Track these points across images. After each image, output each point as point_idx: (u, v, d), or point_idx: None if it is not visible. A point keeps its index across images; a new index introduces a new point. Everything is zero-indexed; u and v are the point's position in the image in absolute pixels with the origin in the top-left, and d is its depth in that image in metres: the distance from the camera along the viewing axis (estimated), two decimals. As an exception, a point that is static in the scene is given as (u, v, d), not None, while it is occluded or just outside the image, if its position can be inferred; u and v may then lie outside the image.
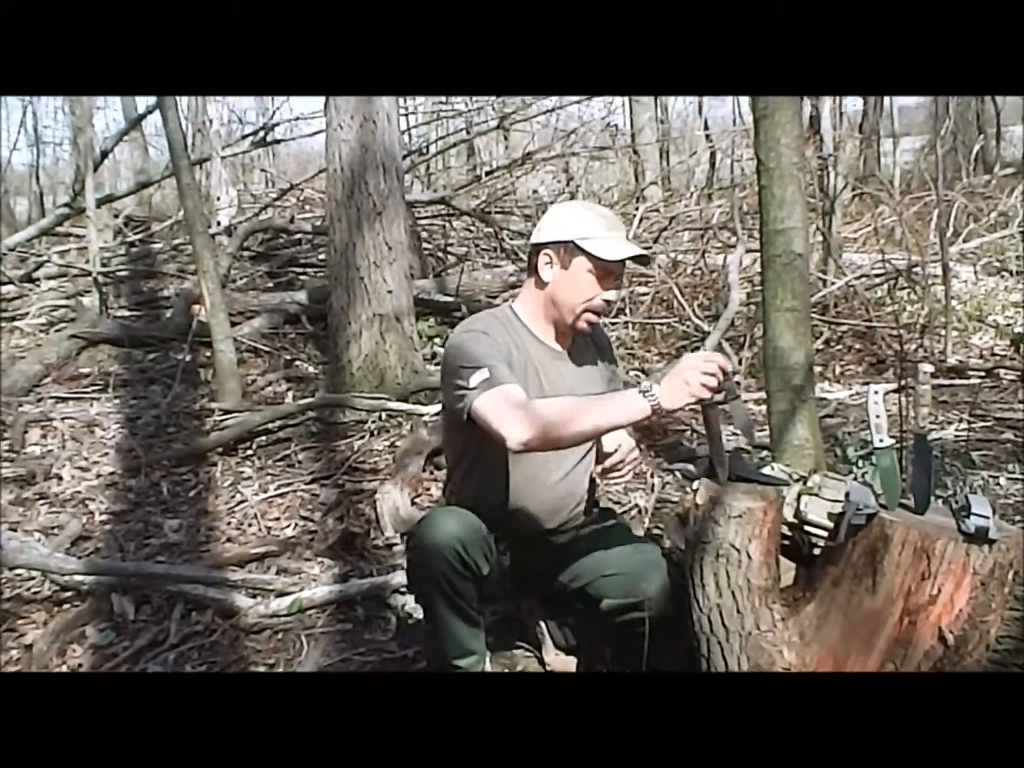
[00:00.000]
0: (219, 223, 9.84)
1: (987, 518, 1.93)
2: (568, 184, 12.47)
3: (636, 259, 2.59)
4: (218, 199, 10.63)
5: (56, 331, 7.18)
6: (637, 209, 9.05)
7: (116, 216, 10.53)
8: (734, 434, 3.49)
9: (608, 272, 2.49)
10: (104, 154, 9.88)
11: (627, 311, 6.88)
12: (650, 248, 7.48)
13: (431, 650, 2.86)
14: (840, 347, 6.70)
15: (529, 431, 2.22)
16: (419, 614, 3.03)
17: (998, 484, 4.02)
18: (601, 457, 2.68)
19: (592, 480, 2.77)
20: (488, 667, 2.74)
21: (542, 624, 2.87)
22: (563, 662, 2.83)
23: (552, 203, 3.07)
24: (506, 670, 2.86)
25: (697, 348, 2.54)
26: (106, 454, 4.96)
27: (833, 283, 7.22)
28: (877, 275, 7.65)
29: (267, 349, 6.79)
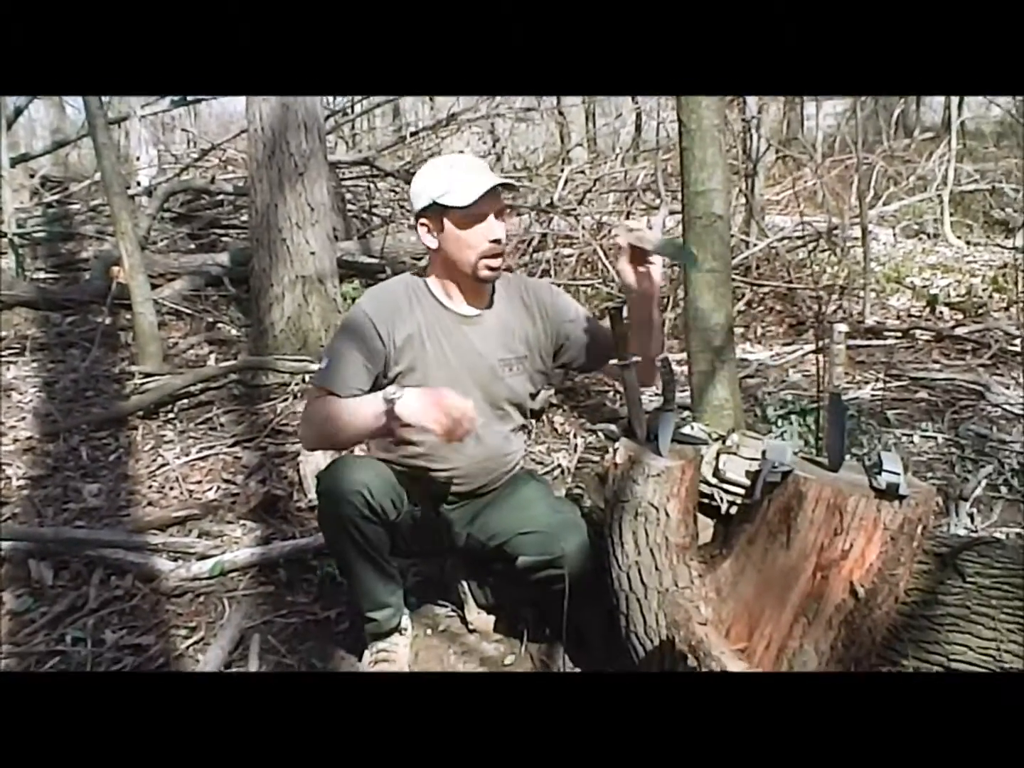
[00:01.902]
0: (139, 183, 9.67)
1: (898, 475, 1.97)
2: (494, 145, 12.40)
3: (503, 188, 2.44)
4: (138, 159, 10.44)
5: (-31, 294, 6.99)
6: (563, 171, 9.02)
7: (32, 176, 10.27)
8: (656, 395, 3.51)
9: (480, 216, 2.40)
10: (18, 111, 9.64)
11: (552, 273, 6.87)
12: (575, 210, 7.47)
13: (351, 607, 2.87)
14: (761, 308, 6.78)
15: (305, 439, 2.50)
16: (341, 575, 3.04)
17: (911, 442, 4.11)
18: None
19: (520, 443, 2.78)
20: (408, 625, 2.75)
21: (464, 583, 2.89)
22: (485, 621, 2.86)
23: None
24: (428, 630, 2.88)
25: (620, 309, 2.49)
26: (23, 419, 4.87)
27: (755, 245, 7.30)
28: (798, 237, 7.73)
29: (188, 312, 6.70)
